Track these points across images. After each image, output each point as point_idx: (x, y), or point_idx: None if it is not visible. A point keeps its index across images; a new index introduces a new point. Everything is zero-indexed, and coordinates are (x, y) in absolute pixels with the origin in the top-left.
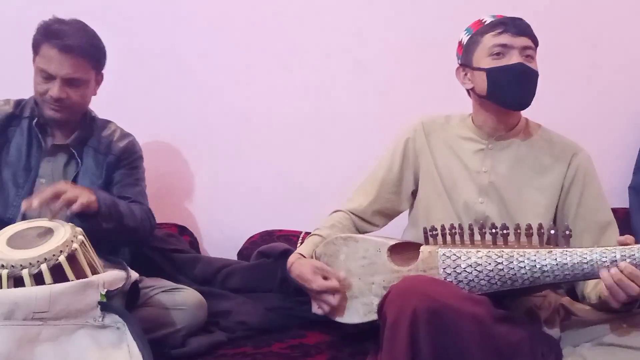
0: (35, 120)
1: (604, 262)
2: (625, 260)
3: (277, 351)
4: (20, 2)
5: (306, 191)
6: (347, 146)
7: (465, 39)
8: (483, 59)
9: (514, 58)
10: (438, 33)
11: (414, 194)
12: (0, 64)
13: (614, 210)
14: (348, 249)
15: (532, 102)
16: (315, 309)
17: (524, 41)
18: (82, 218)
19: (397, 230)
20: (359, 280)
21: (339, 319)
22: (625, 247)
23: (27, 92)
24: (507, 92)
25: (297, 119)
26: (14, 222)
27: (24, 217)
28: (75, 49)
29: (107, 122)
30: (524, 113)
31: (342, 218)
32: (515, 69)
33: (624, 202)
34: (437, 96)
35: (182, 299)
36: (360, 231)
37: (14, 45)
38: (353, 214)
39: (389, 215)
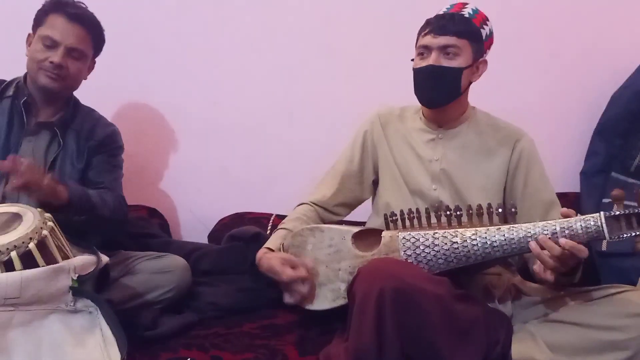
0: (23, 100)
1: (546, 234)
2: (564, 231)
3: (248, 331)
4: None
5: (276, 174)
6: (316, 129)
7: None
8: (415, 58)
9: (430, 59)
10: (407, 18)
11: (375, 183)
12: None
13: (566, 195)
14: (315, 239)
15: (492, 89)
16: (287, 299)
17: (445, 40)
18: (52, 210)
19: (363, 216)
20: (326, 268)
21: (309, 307)
22: (564, 220)
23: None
24: (420, 91)
25: (266, 101)
26: None
27: (4, 198)
28: (83, 19)
29: (91, 110)
30: (476, 101)
31: (307, 210)
32: (423, 71)
33: (575, 187)
34: (405, 80)
35: (167, 263)
36: (324, 221)
37: None
38: (317, 205)
39: (351, 205)
